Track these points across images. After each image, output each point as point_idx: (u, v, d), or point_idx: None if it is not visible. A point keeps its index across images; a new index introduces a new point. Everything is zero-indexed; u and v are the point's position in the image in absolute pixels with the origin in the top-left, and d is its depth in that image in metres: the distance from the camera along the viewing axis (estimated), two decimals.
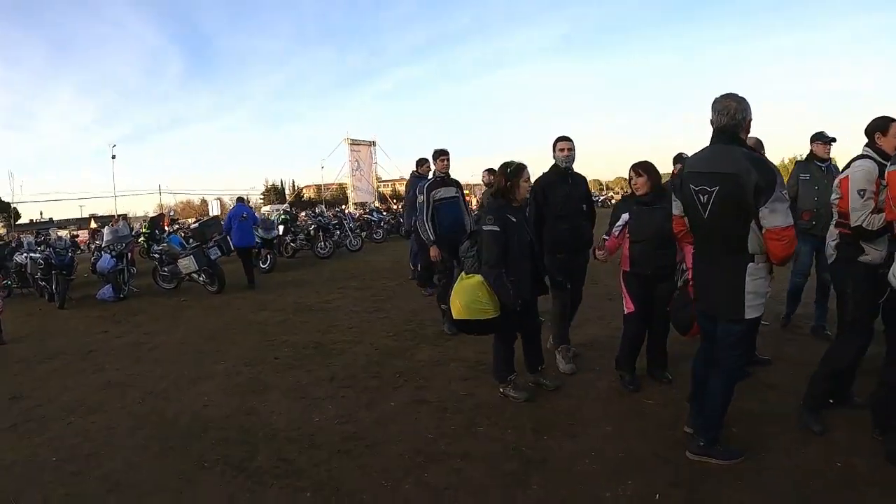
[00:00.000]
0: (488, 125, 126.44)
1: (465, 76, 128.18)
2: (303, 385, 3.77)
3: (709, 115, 2.34)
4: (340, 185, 48.85)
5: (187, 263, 7.41)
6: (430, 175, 5.25)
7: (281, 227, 11.56)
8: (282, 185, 69.58)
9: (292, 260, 11.58)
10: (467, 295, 3.07)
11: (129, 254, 8.50)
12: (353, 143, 31.07)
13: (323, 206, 21.80)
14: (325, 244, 11.42)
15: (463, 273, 3.20)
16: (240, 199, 9.17)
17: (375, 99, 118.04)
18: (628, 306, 3.32)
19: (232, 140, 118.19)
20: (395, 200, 33.92)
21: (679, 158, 4.22)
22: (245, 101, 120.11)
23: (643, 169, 3.23)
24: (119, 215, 32.13)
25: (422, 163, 6.25)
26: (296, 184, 67.48)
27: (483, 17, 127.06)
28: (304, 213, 19.13)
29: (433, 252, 4.75)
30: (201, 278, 7.63)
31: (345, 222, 13.12)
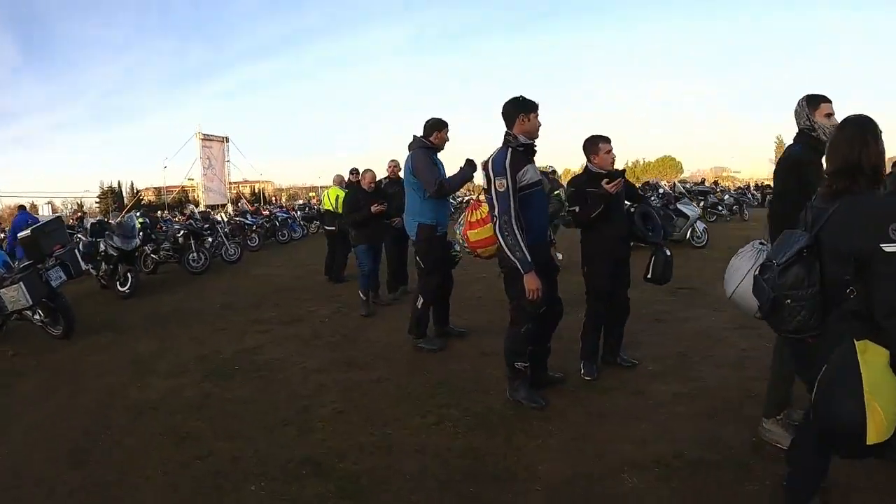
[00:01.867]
0: (344, 123, 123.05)
1: (316, 73, 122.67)
2: None
3: None
4: (183, 187, 43.19)
5: (14, 296, 4.97)
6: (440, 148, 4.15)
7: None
8: (119, 187, 60.17)
9: (155, 276, 9.29)
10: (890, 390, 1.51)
11: None
12: (206, 138, 27.24)
13: (193, 207, 18.49)
14: (197, 255, 9.34)
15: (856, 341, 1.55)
16: (21, 208, 6.95)
17: (224, 97, 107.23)
18: None
19: (65, 138, 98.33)
20: (258, 202, 30.67)
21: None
22: (81, 96, 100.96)
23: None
24: None
25: (438, 127, 4.06)
26: (135, 186, 58.81)
27: (333, 16, 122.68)
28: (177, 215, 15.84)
29: (532, 283, 2.76)
30: (37, 316, 5.30)
31: (218, 227, 11.04)
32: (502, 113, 2.93)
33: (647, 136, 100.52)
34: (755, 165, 63.42)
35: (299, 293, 6.99)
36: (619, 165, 3.39)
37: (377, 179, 5.80)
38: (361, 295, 5.61)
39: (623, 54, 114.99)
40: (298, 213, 17.87)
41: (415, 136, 4.08)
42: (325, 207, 7.85)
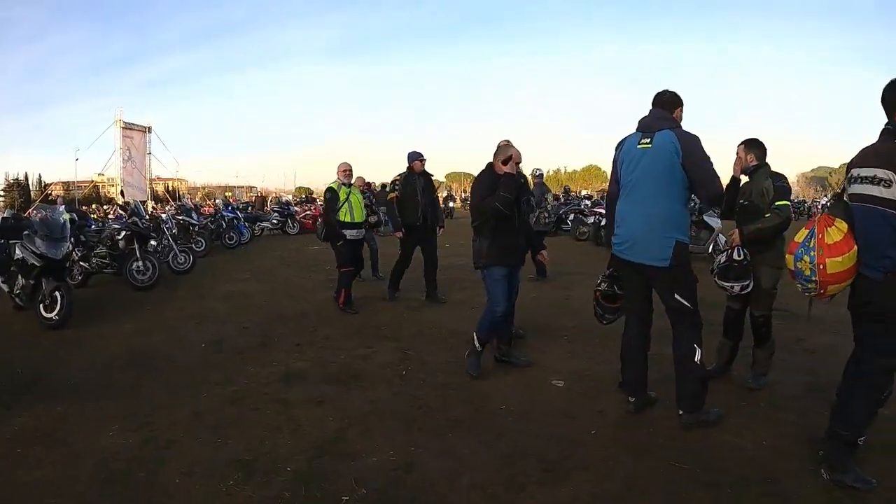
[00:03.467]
0: (271, 120, 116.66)
1: (243, 69, 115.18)
2: None
3: None
4: (94, 183, 38.07)
5: None
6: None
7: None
8: (26, 179, 52.66)
9: (85, 291, 7.09)
10: None
11: None
12: (127, 126, 23.77)
13: (135, 200, 15.80)
14: (144, 263, 7.25)
15: None
16: None
17: (146, 86, 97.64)
18: None
19: None
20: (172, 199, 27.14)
21: None
22: None
23: None
24: None
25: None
26: (42, 180, 51.68)
27: (259, 11, 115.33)
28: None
29: None
30: None
31: (164, 228, 8.92)
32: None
33: (575, 145, 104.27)
34: None
35: (310, 322, 5.33)
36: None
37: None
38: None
39: (557, 65, 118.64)
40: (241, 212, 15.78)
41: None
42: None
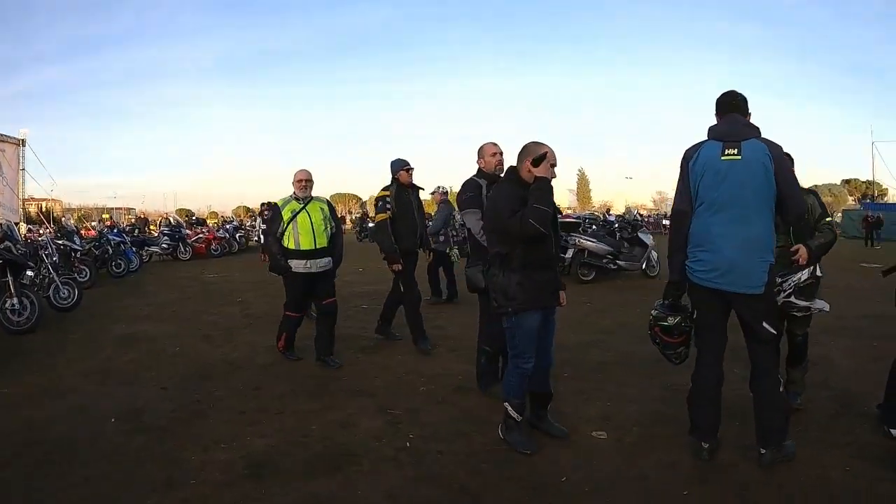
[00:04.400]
0: (152, 142, 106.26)
1: (120, 83, 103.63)
2: None
3: None
4: None
5: None
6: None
7: None
8: None
9: None
10: None
11: None
12: None
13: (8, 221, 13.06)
14: (20, 301, 5.66)
15: None
16: None
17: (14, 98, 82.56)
18: None
19: None
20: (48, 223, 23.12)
21: None
22: None
23: None
24: None
25: None
26: None
27: (140, 26, 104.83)
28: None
29: None
30: None
31: (44, 255, 7.25)
32: None
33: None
34: (559, 194, 71.70)
35: (247, 377, 4.21)
36: None
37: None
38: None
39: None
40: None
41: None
42: None
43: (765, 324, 2.51)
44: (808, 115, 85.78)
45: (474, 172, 3.59)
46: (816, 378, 3.81)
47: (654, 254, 9.74)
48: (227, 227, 18.90)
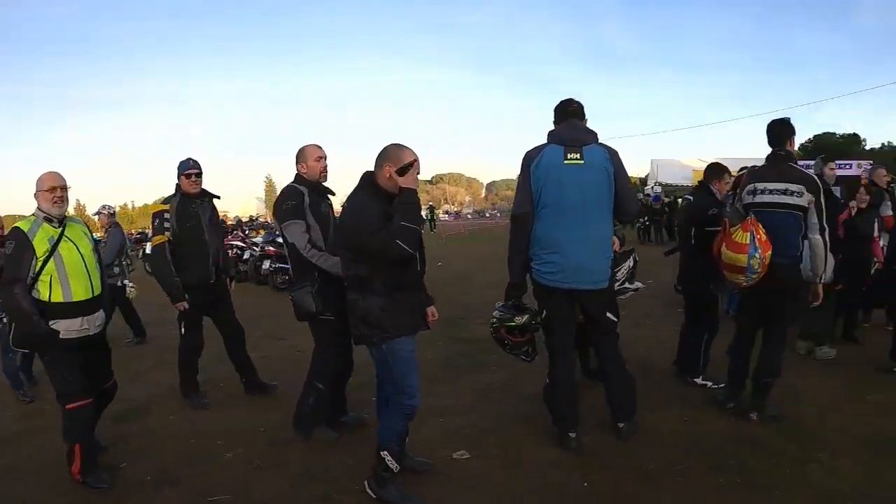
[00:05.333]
0: None
1: None
2: None
3: None
4: None
5: None
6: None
7: None
8: None
9: None
10: None
11: None
12: None
13: None
14: None
15: None
16: None
17: None
18: None
19: None
20: None
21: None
22: None
23: None
24: None
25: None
26: None
27: None
28: None
29: None
30: None
31: None
32: None
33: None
34: (246, 202, 65.10)
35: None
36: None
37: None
38: None
39: None
40: None
41: None
42: None
43: (608, 314, 2.72)
44: None
45: (292, 179, 3.01)
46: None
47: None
48: None
